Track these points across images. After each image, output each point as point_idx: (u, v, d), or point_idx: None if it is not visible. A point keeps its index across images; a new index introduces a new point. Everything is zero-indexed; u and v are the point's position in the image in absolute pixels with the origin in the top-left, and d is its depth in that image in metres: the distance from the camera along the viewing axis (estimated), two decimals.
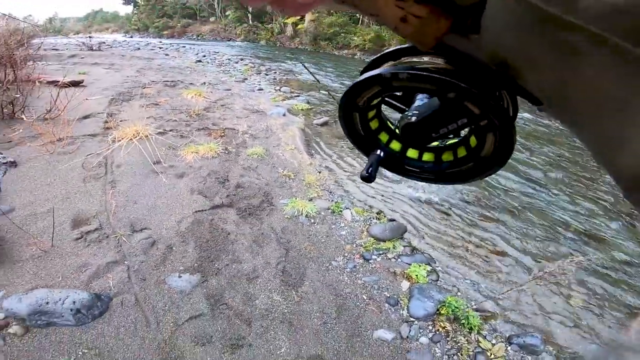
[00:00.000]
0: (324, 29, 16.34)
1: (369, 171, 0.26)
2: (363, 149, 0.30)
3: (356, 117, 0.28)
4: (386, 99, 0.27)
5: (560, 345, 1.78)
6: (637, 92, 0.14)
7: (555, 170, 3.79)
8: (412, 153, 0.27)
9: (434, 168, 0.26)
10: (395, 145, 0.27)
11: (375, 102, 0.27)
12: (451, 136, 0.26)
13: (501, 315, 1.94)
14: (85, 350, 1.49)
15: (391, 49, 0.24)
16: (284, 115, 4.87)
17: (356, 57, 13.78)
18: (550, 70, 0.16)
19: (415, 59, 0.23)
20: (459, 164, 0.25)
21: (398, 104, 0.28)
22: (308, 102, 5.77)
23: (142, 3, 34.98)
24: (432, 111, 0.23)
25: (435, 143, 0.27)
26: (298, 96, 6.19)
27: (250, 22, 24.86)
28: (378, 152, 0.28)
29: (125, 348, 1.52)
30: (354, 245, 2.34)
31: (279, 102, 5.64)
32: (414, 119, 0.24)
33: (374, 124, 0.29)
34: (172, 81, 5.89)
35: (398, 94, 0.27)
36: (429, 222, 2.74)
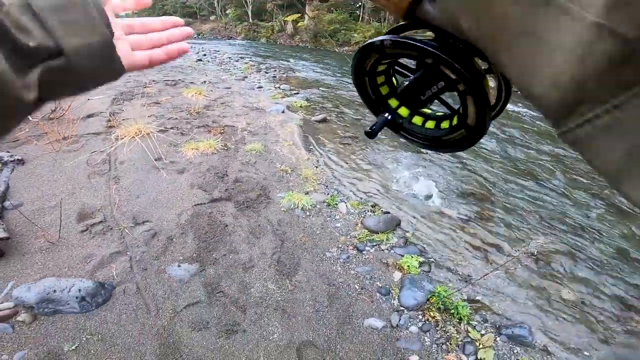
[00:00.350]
0: (324, 26, 16.31)
1: (373, 128, 0.29)
2: (373, 110, 0.32)
3: (366, 82, 0.30)
4: (397, 68, 0.30)
5: (549, 337, 1.82)
6: (540, 21, 0.15)
7: (551, 165, 3.82)
8: (416, 120, 0.29)
9: (433, 134, 0.28)
10: (403, 111, 0.29)
11: (381, 68, 0.29)
12: (436, 101, 0.28)
13: (491, 306, 1.98)
14: (89, 336, 1.58)
15: (400, 24, 0.27)
16: (283, 112, 4.93)
17: None
18: (472, 12, 0.18)
19: (412, 32, 0.26)
20: (453, 131, 0.27)
21: (408, 74, 0.30)
22: (307, 100, 5.82)
23: None
24: (418, 75, 0.26)
25: (431, 112, 0.30)
26: (297, 93, 6.24)
27: (251, 20, 24.82)
28: (386, 115, 0.31)
29: (126, 334, 1.61)
30: (348, 237, 2.41)
31: (278, 99, 5.70)
32: (406, 83, 0.27)
33: (384, 90, 0.31)
34: (172, 80, 5.99)
35: (412, 66, 0.30)
36: (423, 215, 2.80)
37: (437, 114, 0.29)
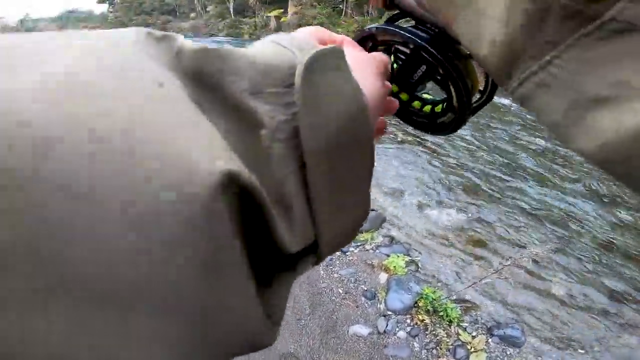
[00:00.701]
0: (307, 20, 16.13)
1: None
2: None
3: None
4: (396, 55, 0.31)
5: (542, 336, 1.76)
6: None
7: (545, 160, 3.80)
8: (415, 104, 0.31)
9: (429, 117, 0.30)
10: (404, 96, 0.31)
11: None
12: (426, 85, 0.30)
13: (481, 306, 1.91)
14: None
15: (394, 14, 0.28)
16: None
17: None
18: None
19: (403, 21, 0.28)
20: (444, 114, 0.28)
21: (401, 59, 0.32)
22: None
23: (119, 1, 33.97)
24: (403, 61, 0.27)
25: (428, 96, 0.31)
26: None
27: (233, 16, 24.41)
28: None
29: None
30: None
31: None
32: (394, 67, 0.28)
33: None
34: None
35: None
36: (408, 211, 2.70)
37: (435, 98, 0.31)
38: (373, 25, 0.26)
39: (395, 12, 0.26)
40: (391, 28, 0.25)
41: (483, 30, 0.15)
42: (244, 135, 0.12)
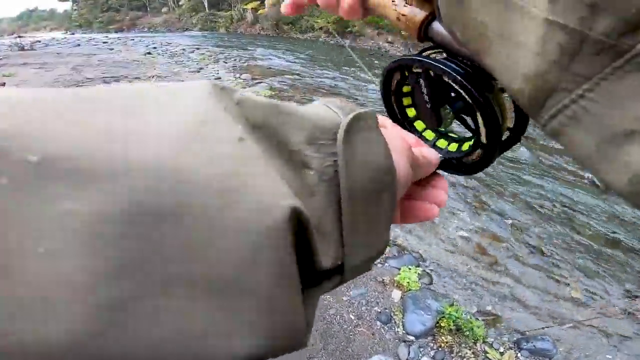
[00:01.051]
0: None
1: None
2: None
3: (393, 101, 0.31)
4: (422, 88, 0.29)
5: (573, 346, 1.56)
6: (509, 23, 0.16)
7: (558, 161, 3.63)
8: (441, 143, 0.29)
9: (455, 156, 0.27)
10: (429, 134, 0.29)
11: (406, 89, 0.29)
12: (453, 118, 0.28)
13: (505, 317, 1.70)
14: None
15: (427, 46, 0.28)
16: None
17: (320, 39, 13.22)
18: (459, 22, 0.19)
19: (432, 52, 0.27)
20: (472, 152, 0.26)
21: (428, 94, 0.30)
22: (271, 88, 5.29)
23: None
24: (431, 93, 0.25)
25: (454, 134, 0.29)
26: (260, 82, 5.67)
27: (207, 10, 23.48)
28: None
29: None
30: None
31: (240, 90, 5.11)
32: (422, 99, 0.27)
33: (410, 112, 0.30)
34: (113, 77, 5.15)
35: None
36: None
37: (462, 136, 0.29)
38: (408, 56, 0.26)
39: (429, 44, 0.26)
40: (426, 60, 0.24)
41: (516, 62, 0.16)
42: (299, 174, 0.15)
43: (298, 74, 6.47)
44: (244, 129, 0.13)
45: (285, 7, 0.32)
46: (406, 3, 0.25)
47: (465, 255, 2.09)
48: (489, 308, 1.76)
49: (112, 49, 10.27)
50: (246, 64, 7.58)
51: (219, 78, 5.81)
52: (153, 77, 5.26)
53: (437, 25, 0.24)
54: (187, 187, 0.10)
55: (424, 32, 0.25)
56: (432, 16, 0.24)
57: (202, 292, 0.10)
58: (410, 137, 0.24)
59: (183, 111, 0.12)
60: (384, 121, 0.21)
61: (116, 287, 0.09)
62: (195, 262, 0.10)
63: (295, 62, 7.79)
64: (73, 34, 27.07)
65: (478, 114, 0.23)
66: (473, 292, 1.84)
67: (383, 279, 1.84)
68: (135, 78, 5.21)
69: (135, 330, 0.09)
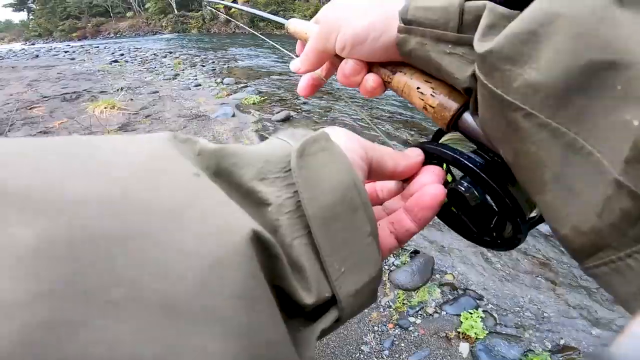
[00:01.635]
0: (260, 8, 14.86)
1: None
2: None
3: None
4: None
5: None
6: (571, 168, 0.15)
7: None
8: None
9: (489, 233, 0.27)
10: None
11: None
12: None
13: (580, 347, 1.38)
14: None
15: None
16: (233, 115, 3.82)
17: None
18: (506, 143, 0.19)
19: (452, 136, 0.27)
20: (501, 228, 0.26)
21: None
22: (259, 93, 4.74)
23: (38, 7, 30.20)
24: (459, 188, 0.25)
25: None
26: (246, 86, 5.10)
27: (176, 11, 22.36)
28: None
29: None
30: (381, 310, 1.54)
31: (224, 97, 4.54)
32: (461, 188, 0.26)
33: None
34: (74, 92, 4.44)
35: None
36: (453, 240, 2.01)
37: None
38: (436, 146, 0.25)
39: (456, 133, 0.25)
40: (450, 153, 0.24)
41: (572, 212, 0.16)
42: (257, 211, 0.15)
43: (283, 74, 5.93)
44: (205, 174, 0.14)
45: (302, 90, 0.31)
46: (433, 92, 0.25)
47: (521, 280, 1.70)
48: (562, 342, 1.41)
49: (74, 58, 9.35)
50: (226, 66, 6.96)
51: (199, 85, 5.19)
52: (122, 89, 4.59)
53: (468, 117, 0.23)
54: (134, 214, 0.11)
55: (453, 125, 0.24)
56: (464, 107, 0.24)
57: (155, 314, 0.10)
58: (367, 143, 0.22)
59: (136, 151, 0.13)
60: (337, 135, 0.20)
61: (50, 307, 0.09)
62: (146, 284, 0.10)
63: (278, 61, 7.23)
64: (33, 44, 25.32)
65: (499, 207, 0.23)
66: (542, 325, 1.47)
67: (446, 334, 1.42)
68: (101, 92, 4.53)
69: (70, 350, 0.09)
